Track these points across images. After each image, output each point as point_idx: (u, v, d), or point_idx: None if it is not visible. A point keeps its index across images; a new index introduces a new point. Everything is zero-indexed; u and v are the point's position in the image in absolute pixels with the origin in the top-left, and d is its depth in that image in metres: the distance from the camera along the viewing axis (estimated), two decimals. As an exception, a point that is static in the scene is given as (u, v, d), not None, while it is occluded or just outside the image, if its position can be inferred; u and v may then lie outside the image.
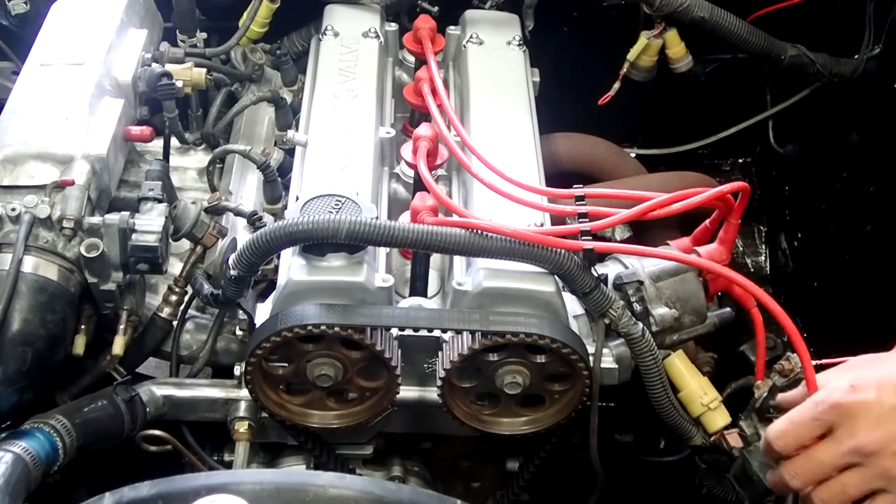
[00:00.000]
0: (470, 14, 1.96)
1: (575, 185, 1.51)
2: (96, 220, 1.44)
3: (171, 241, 1.53)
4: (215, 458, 1.63)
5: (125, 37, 1.76)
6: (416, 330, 1.40)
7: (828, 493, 1.22)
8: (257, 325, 1.41)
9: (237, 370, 1.54)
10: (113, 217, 1.44)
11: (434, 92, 1.66)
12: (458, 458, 1.72)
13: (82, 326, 1.50)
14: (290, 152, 1.79)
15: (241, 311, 1.58)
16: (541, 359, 1.42)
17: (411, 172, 1.66)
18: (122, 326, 1.54)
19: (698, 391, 1.48)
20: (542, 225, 1.48)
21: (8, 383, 1.36)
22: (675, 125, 2.45)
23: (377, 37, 1.86)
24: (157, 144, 1.79)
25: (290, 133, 1.66)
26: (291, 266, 1.39)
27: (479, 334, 1.37)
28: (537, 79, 1.87)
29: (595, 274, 1.40)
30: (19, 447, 1.30)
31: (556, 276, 1.40)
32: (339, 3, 1.95)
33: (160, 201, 1.52)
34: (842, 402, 1.18)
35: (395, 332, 1.40)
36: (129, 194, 1.63)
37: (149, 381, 1.57)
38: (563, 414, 1.48)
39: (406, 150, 1.60)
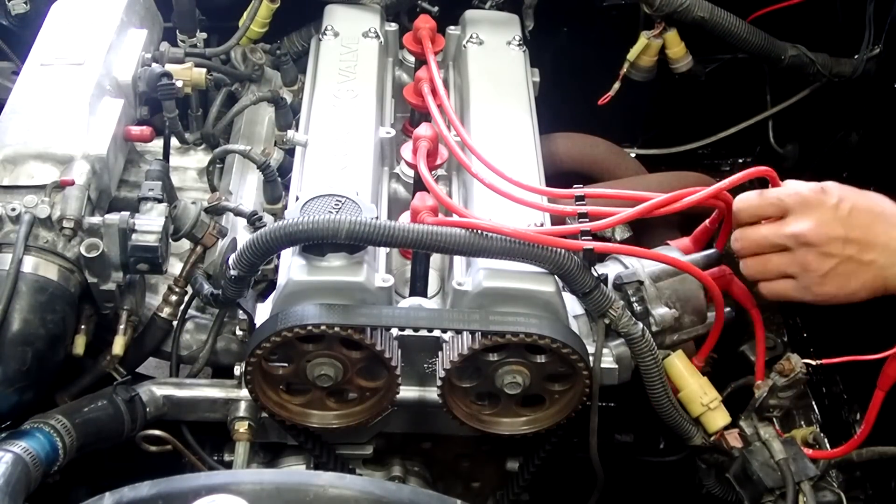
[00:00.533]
0: (470, 14, 1.96)
1: (575, 185, 1.51)
2: (96, 220, 1.44)
3: (171, 241, 1.53)
4: (215, 458, 1.63)
5: (125, 37, 1.76)
6: (416, 330, 1.40)
7: (753, 263, 1.40)
8: (257, 325, 1.41)
9: (237, 370, 1.54)
10: (113, 217, 1.44)
11: (434, 92, 1.66)
12: (458, 458, 1.72)
13: (82, 326, 1.50)
14: (290, 152, 1.79)
15: (241, 311, 1.58)
16: (541, 359, 1.42)
17: (411, 172, 1.66)
18: (122, 326, 1.54)
19: (698, 391, 1.49)
20: (542, 225, 1.48)
21: (8, 383, 1.36)
22: (675, 125, 2.45)
23: (377, 37, 1.86)
24: (157, 144, 1.79)
25: (290, 133, 1.66)
26: (291, 266, 1.39)
27: (479, 334, 1.37)
28: (537, 79, 1.87)
29: (595, 274, 1.40)
30: (19, 447, 1.30)
31: (556, 276, 1.40)
32: (339, 3, 1.94)
33: (160, 201, 1.52)
34: (805, 194, 1.35)
35: (395, 332, 1.40)
36: (129, 194, 1.63)
37: (149, 381, 1.57)
38: (563, 414, 1.48)
39: (406, 150, 1.60)
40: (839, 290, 1.36)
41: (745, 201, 1.40)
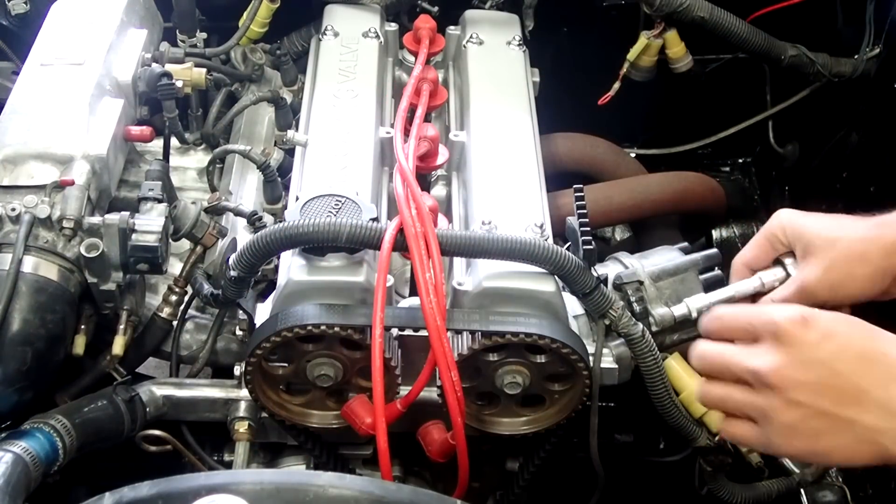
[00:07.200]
0: (470, 14, 1.96)
1: (575, 186, 1.51)
2: (96, 220, 1.44)
3: (171, 241, 1.53)
4: (215, 458, 1.63)
5: (125, 37, 1.76)
6: (416, 330, 1.40)
7: (712, 390, 1.15)
8: (257, 325, 1.41)
9: (237, 370, 1.54)
10: (113, 217, 1.44)
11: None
12: (458, 458, 1.71)
13: (82, 326, 1.50)
14: (290, 152, 1.79)
15: (241, 311, 1.58)
16: (541, 359, 1.42)
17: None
18: (122, 326, 1.54)
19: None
20: (542, 226, 1.48)
21: (8, 383, 1.36)
22: (675, 125, 2.45)
23: (377, 37, 1.86)
24: (157, 144, 1.79)
25: (290, 133, 1.66)
26: (291, 266, 1.39)
27: (479, 334, 1.36)
28: (537, 79, 1.87)
29: (595, 274, 1.40)
30: (19, 447, 1.31)
31: (555, 277, 1.40)
32: (339, 3, 1.95)
33: (160, 201, 1.52)
34: (781, 326, 1.06)
35: (395, 332, 1.40)
36: (129, 194, 1.63)
37: (149, 381, 1.57)
38: (563, 414, 1.48)
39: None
40: (809, 449, 1.08)
41: (719, 315, 1.16)
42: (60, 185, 1.46)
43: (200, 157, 1.96)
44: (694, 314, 1.38)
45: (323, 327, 1.34)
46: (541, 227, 1.48)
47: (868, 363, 1.04)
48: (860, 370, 1.04)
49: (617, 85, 2.09)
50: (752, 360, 1.08)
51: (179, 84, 1.73)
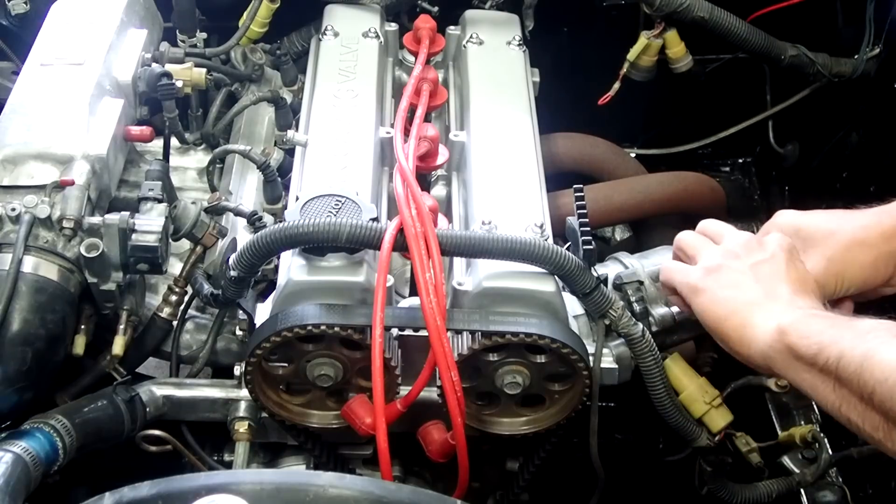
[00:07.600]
0: (470, 14, 1.96)
1: (575, 186, 1.51)
2: (96, 220, 1.44)
3: (171, 241, 1.53)
4: (215, 458, 1.63)
5: (125, 37, 1.76)
6: (416, 330, 1.40)
7: (686, 233, 1.39)
8: (257, 325, 1.41)
9: (237, 370, 1.54)
10: (113, 217, 1.44)
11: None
12: (458, 458, 1.71)
13: (82, 326, 1.50)
14: (290, 152, 1.79)
15: (241, 311, 1.58)
16: (541, 359, 1.42)
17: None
18: (122, 326, 1.54)
19: (699, 391, 1.48)
20: (542, 226, 1.48)
21: (8, 383, 1.36)
22: (675, 125, 2.45)
23: (377, 37, 1.86)
24: (157, 144, 1.79)
25: (290, 133, 1.66)
26: (291, 266, 1.39)
27: (479, 334, 1.36)
28: (537, 79, 1.87)
29: (595, 274, 1.40)
30: (19, 447, 1.30)
31: (556, 277, 1.40)
32: (339, 3, 1.95)
33: (160, 201, 1.52)
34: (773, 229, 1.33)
35: (395, 332, 1.40)
36: (129, 194, 1.63)
37: (149, 381, 1.57)
38: (563, 414, 1.48)
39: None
40: (712, 292, 1.25)
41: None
42: (60, 185, 1.46)
43: (200, 157, 1.96)
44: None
45: (323, 327, 1.34)
46: (541, 227, 1.48)
47: (803, 286, 1.22)
48: (792, 284, 1.21)
49: (617, 85, 2.09)
50: (732, 229, 1.33)
51: (179, 84, 1.73)
